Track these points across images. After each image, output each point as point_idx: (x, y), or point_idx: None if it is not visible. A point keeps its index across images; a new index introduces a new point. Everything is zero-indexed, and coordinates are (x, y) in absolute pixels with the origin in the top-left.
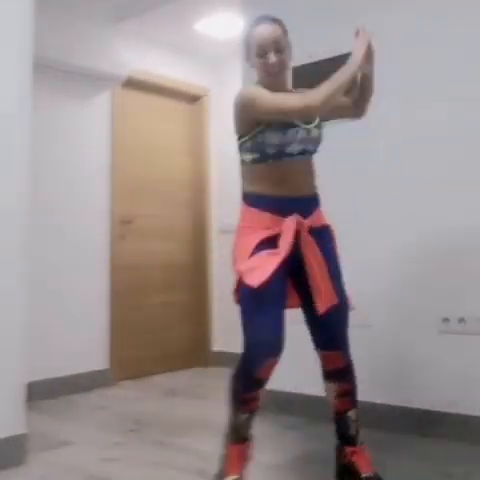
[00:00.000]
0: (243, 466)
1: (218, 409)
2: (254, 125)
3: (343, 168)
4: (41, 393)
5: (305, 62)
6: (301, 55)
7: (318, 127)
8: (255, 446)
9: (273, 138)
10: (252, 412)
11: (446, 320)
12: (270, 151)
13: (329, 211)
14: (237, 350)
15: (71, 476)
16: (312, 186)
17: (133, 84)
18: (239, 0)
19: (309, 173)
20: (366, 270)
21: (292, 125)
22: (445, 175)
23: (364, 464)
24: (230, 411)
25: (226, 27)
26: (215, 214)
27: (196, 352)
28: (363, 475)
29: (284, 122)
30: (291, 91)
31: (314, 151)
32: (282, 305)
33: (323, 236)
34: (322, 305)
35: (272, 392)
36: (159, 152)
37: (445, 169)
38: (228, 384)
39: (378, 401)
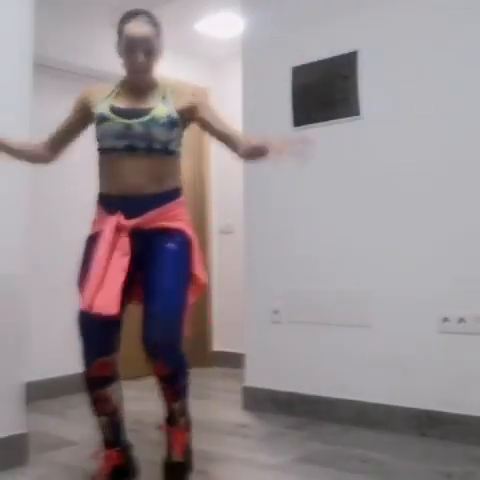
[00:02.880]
0: (111, 472)
1: (218, 409)
2: (86, 113)
3: (338, 169)
4: (41, 393)
5: (305, 62)
6: (301, 55)
7: (145, 123)
8: (130, 456)
9: (95, 131)
10: (108, 415)
11: (446, 320)
12: (98, 144)
13: (329, 211)
14: (237, 350)
15: (71, 476)
16: (157, 185)
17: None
18: (239, 0)
19: (151, 172)
20: (366, 270)
21: (106, 119)
22: (445, 176)
23: (178, 450)
24: (92, 414)
25: (226, 27)
26: (215, 214)
27: (196, 352)
28: (173, 460)
29: (100, 116)
30: (153, 87)
31: (150, 148)
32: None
33: (157, 239)
34: (84, 302)
35: (272, 392)
36: None
37: (446, 170)
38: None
39: (378, 401)
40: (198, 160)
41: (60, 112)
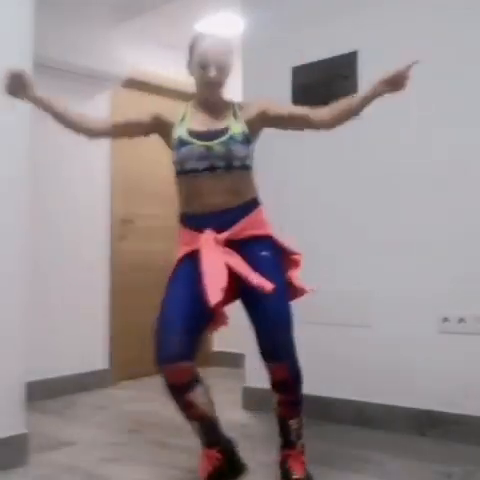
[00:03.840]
0: (210, 472)
1: (218, 409)
2: (156, 126)
3: (338, 169)
4: (41, 393)
5: (305, 62)
6: (301, 55)
7: (224, 143)
8: (233, 454)
9: (174, 155)
10: (198, 420)
11: (446, 320)
12: (177, 168)
13: (329, 211)
14: (237, 350)
15: (71, 476)
16: (237, 198)
17: (133, 84)
18: (239, 0)
19: (231, 187)
20: (366, 270)
21: (186, 143)
22: (445, 176)
23: (298, 468)
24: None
25: (226, 27)
26: None
27: None
28: (293, 477)
29: (178, 140)
30: (224, 106)
31: (229, 166)
32: (187, 317)
33: (249, 247)
34: (211, 298)
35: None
36: (159, 152)
37: (445, 170)
38: None
39: (378, 401)
40: None
41: None
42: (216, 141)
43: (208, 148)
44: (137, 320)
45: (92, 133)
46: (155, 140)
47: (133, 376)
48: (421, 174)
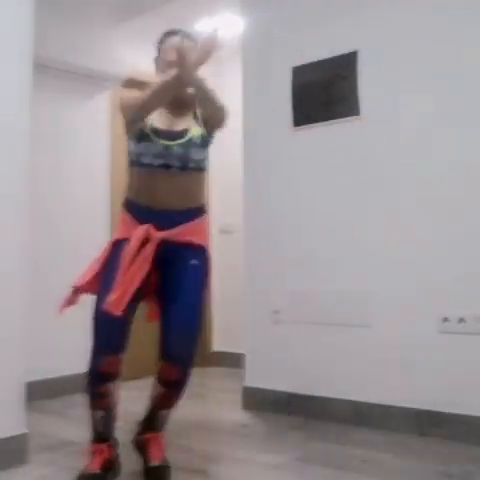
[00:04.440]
0: (103, 465)
1: (218, 409)
2: (126, 130)
3: (338, 169)
4: (41, 393)
5: (305, 62)
6: (301, 55)
7: (184, 145)
8: (118, 453)
9: (131, 146)
10: (106, 409)
11: (446, 320)
12: (132, 158)
13: (329, 211)
14: (237, 350)
15: (71, 476)
16: (186, 201)
17: (133, 84)
18: (239, 0)
19: (183, 188)
20: (366, 270)
21: (146, 138)
22: (445, 176)
23: (156, 455)
24: (88, 409)
25: (226, 27)
26: (215, 214)
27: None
28: (152, 464)
29: (140, 133)
30: (188, 106)
31: (184, 167)
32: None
33: (182, 252)
34: (109, 304)
35: (272, 392)
36: None
37: (445, 170)
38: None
39: (378, 401)
40: None
41: (60, 112)
42: (175, 142)
43: (167, 147)
44: (137, 320)
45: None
46: None
47: (133, 376)
48: (421, 174)
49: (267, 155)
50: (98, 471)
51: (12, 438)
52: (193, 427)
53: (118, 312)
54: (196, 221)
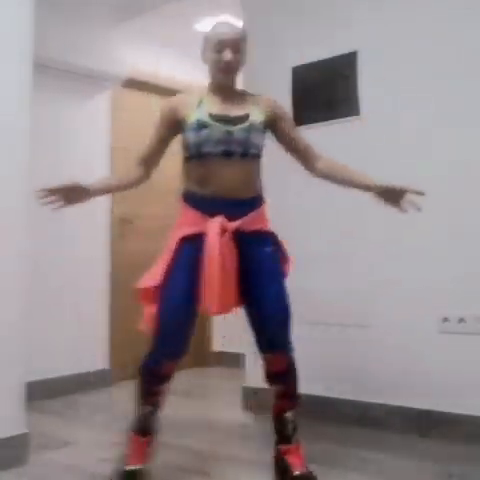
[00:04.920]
0: (143, 459)
1: (218, 409)
2: (174, 125)
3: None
4: (41, 393)
5: (305, 62)
6: (301, 55)
7: (245, 130)
8: (156, 445)
9: (190, 138)
10: (155, 406)
11: (446, 320)
12: (192, 150)
13: (329, 211)
14: (237, 350)
15: (71, 476)
16: (248, 189)
17: (133, 84)
18: (239, 0)
19: (244, 176)
20: (366, 270)
21: (206, 125)
22: (446, 175)
23: (297, 463)
24: (136, 402)
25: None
26: None
27: (196, 352)
28: (295, 473)
29: (198, 122)
30: (240, 94)
31: (246, 153)
32: (188, 310)
33: (255, 241)
34: (208, 306)
35: (272, 392)
36: None
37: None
38: (138, 373)
39: (378, 401)
40: None
41: (60, 112)
42: (237, 126)
43: (229, 132)
44: (137, 320)
45: (136, 182)
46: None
47: (133, 376)
48: (421, 174)
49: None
50: (139, 467)
51: (12, 438)
52: (193, 427)
53: (226, 311)
54: (260, 208)
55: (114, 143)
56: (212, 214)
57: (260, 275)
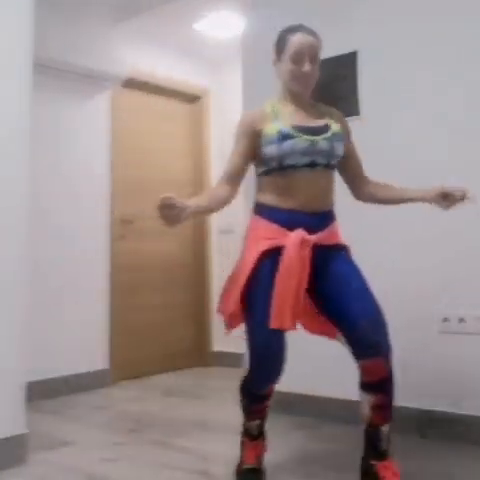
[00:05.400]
0: (258, 458)
1: (218, 409)
2: (254, 139)
3: None
4: (41, 393)
5: None
6: None
7: (329, 139)
8: (267, 440)
9: (271, 150)
10: (262, 418)
11: (446, 320)
12: (273, 163)
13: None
14: (237, 350)
15: (71, 476)
16: (326, 202)
17: (133, 84)
18: (239, 0)
19: (325, 188)
20: (365, 270)
21: (290, 137)
22: (446, 175)
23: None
24: (243, 416)
25: (226, 27)
26: (215, 214)
27: (196, 352)
28: None
29: (281, 134)
30: (313, 104)
31: (328, 164)
32: (279, 334)
33: (332, 255)
34: (274, 321)
35: (276, 393)
36: (159, 152)
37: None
38: (239, 393)
39: None
40: (198, 160)
41: (60, 112)
42: (321, 136)
43: (313, 143)
44: (137, 320)
45: (225, 201)
46: (154, 141)
47: (133, 376)
48: (421, 174)
49: None
50: (255, 466)
51: (12, 438)
52: (193, 427)
53: (292, 327)
54: (335, 222)
55: (114, 143)
56: (290, 227)
57: (342, 278)
